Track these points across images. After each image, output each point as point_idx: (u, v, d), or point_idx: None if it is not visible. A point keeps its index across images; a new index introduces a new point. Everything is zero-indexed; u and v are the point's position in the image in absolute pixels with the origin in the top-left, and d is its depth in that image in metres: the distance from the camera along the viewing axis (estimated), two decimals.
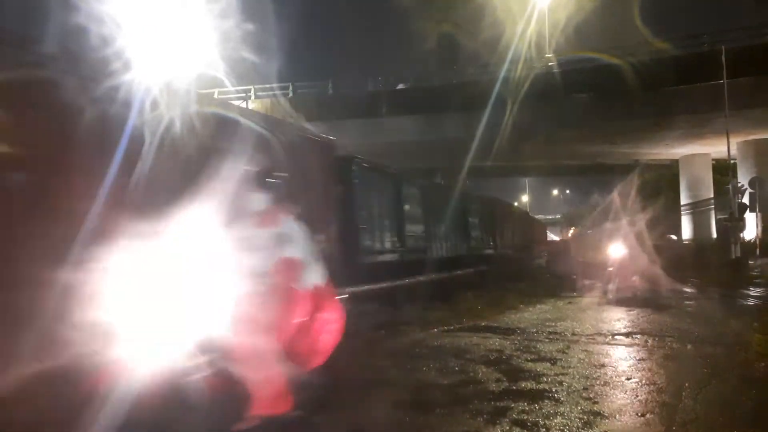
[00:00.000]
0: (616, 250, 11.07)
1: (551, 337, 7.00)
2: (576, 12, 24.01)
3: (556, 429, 3.61)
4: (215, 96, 27.03)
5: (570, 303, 10.85)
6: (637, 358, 5.61)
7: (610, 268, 10.89)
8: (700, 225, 25.07)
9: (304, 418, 3.72)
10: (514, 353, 5.95)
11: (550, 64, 24.52)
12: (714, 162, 27.44)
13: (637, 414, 3.88)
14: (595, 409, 4.00)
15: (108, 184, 3.76)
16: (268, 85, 25.70)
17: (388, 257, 9.10)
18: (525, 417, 3.82)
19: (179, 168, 4.33)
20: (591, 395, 4.35)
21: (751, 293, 11.93)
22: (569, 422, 3.73)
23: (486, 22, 25.78)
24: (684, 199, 27.72)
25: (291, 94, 27.00)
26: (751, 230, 20.76)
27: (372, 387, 4.72)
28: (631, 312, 9.12)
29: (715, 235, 22.32)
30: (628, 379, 4.80)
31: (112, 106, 4.40)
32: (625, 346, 6.30)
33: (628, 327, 7.57)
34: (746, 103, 20.02)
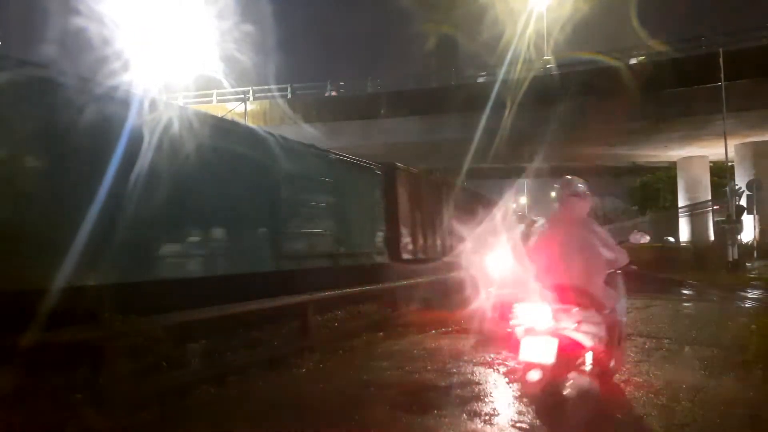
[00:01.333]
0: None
1: None
2: (574, 13, 24.11)
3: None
4: (214, 97, 27.10)
5: None
6: (635, 360, 5.60)
7: None
8: (697, 227, 25.11)
9: None
10: (512, 354, 5.95)
11: (548, 66, 24.59)
12: (712, 164, 27.50)
13: (634, 416, 3.88)
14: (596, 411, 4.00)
15: None
16: (266, 87, 25.74)
17: None
18: (523, 419, 3.82)
19: None
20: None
21: (749, 295, 11.95)
22: (570, 424, 3.73)
23: (485, 23, 25.86)
24: (681, 201, 27.77)
25: (289, 96, 27.02)
26: (748, 232, 20.81)
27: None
28: (628, 314, 9.10)
29: (712, 238, 22.36)
30: (625, 381, 4.80)
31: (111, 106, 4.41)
32: (626, 347, 6.29)
33: (626, 329, 7.56)
34: (744, 105, 20.07)
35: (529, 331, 3.49)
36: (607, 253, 3.83)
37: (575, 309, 3.52)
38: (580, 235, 3.82)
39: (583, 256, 3.75)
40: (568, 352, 3.48)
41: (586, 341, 3.54)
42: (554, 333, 3.42)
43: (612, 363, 4.03)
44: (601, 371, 3.91)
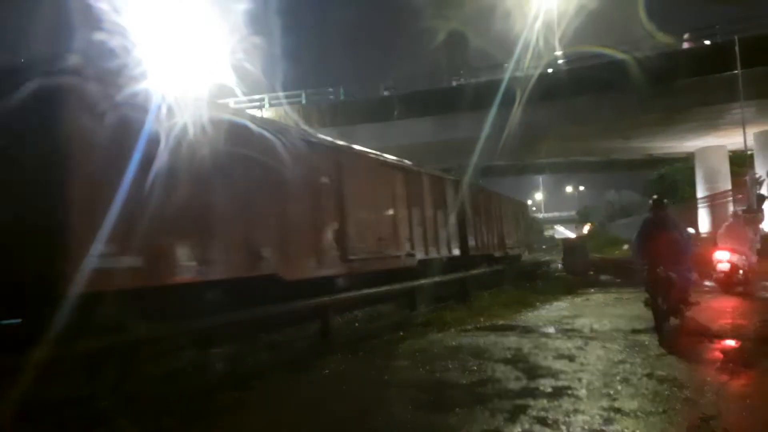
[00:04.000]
0: None
1: (569, 334, 6.99)
2: (583, 7, 23.87)
3: (577, 426, 3.62)
4: (230, 105, 27.40)
5: (587, 300, 10.81)
6: (657, 354, 5.58)
7: None
8: (717, 218, 24.72)
9: None
10: (533, 351, 5.97)
11: (560, 61, 24.42)
12: (731, 153, 27.07)
13: (658, 410, 3.88)
14: (615, 405, 4.01)
15: None
16: (281, 93, 25.94)
17: None
18: (545, 415, 3.84)
19: None
20: (611, 392, 4.35)
21: None
22: (590, 419, 3.74)
23: (494, 19, 25.68)
24: (700, 192, 27.35)
25: (304, 101, 27.25)
26: None
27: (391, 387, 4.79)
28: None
29: None
30: (648, 375, 4.79)
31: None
32: (645, 341, 6.27)
33: (647, 322, 7.50)
34: (762, 92, 19.75)
35: (720, 260, 10.03)
36: (752, 235, 10.44)
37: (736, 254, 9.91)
38: (743, 227, 10.55)
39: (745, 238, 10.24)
40: (734, 267, 9.92)
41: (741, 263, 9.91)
42: (728, 260, 9.91)
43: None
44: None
